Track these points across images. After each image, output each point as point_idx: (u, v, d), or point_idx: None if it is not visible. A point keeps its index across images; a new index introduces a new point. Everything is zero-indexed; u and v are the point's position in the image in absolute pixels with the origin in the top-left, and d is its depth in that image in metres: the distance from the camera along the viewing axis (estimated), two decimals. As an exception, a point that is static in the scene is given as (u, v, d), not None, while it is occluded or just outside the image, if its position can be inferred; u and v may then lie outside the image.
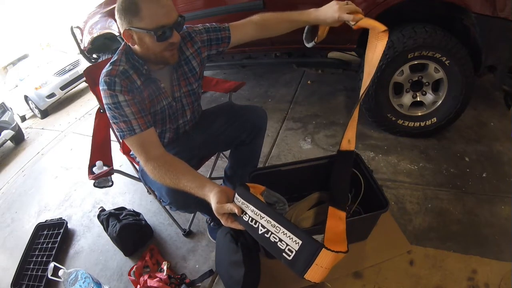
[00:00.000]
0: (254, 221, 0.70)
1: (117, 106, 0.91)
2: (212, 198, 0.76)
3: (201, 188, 0.80)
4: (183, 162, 0.90)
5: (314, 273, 0.64)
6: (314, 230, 1.09)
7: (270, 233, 0.68)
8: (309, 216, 1.20)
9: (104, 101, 0.93)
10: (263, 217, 0.69)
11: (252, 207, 0.71)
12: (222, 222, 0.75)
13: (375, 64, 0.93)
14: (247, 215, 0.71)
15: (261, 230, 0.69)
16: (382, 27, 0.90)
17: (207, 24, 1.11)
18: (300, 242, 0.65)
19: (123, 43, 0.98)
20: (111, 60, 0.96)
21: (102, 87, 0.92)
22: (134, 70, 0.96)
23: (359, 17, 0.92)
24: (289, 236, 0.66)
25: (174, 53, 0.96)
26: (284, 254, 0.66)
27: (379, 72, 1.56)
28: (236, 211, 0.72)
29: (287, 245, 0.66)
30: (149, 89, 1.00)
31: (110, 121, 0.95)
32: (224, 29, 1.10)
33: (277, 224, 0.67)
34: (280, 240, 0.66)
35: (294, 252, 0.65)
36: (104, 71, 0.94)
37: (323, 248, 0.64)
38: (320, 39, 1.12)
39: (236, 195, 0.74)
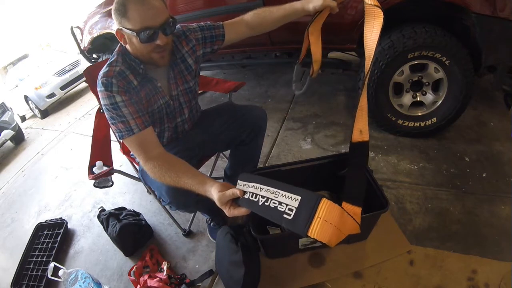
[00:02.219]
0: (254, 195, 0.70)
1: (115, 106, 0.91)
2: (214, 191, 0.77)
3: (201, 184, 0.81)
4: (183, 161, 0.90)
5: (318, 229, 0.59)
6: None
7: (270, 200, 0.67)
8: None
9: (102, 102, 0.94)
10: (262, 189, 0.70)
11: (253, 183, 0.72)
12: (226, 212, 0.77)
13: (373, 46, 0.88)
14: (248, 193, 0.72)
15: (261, 201, 0.69)
16: (374, 1, 0.86)
17: (202, 23, 1.12)
18: (299, 198, 0.63)
19: (119, 44, 0.99)
20: (108, 62, 0.97)
21: (99, 88, 0.93)
22: (131, 70, 0.97)
23: None
24: (288, 196, 0.65)
25: (164, 56, 0.96)
26: (284, 215, 0.63)
27: (379, 72, 1.56)
28: (238, 193, 0.73)
29: (287, 205, 0.64)
30: (146, 89, 1.01)
31: (109, 122, 0.96)
32: (218, 27, 1.11)
33: (276, 190, 0.67)
34: (280, 203, 0.65)
35: (294, 210, 0.63)
36: (101, 72, 0.94)
37: (323, 198, 0.61)
38: (317, 59, 1.10)
39: (238, 181, 0.76)
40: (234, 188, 0.76)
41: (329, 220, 0.60)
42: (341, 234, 0.64)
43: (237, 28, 1.13)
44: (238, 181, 0.77)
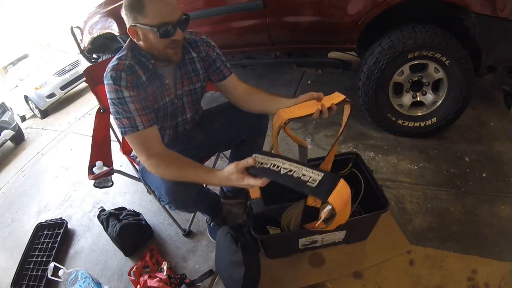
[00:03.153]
0: (275, 166, 0.79)
1: (122, 101, 0.91)
2: (227, 167, 0.82)
3: (208, 172, 0.86)
4: (184, 157, 0.92)
5: (336, 199, 0.71)
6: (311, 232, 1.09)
7: (292, 171, 0.77)
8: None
9: (108, 96, 0.93)
10: (285, 163, 0.79)
11: (275, 158, 0.80)
12: (242, 183, 0.80)
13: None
14: (267, 164, 0.80)
15: (283, 170, 0.77)
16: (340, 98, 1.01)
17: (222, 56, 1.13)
18: (322, 174, 0.74)
19: (128, 39, 0.98)
20: (117, 55, 0.96)
21: (107, 81, 0.92)
22: (140, 65, 0.96)
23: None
24: (311, 171, 0.75)
25: (178, 51, 0.97)
26: (308, 183, 0.74)
27: (379, 72, 1.56)
28: (251, 161, 0.79)
29: (310, 177, 0.75)
30: (153, 85, 1.00)
31: (113, 116, 0.95)
32: (228, 69, 1.13)
33: (299, 165, 0.77)
34: (303, 175, 0.75)
35: (317, 181, 0.73)
36: (110, 65, 0.93)
37: (341, 179, 0.73)
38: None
39: (257, 154, 0.82)
40: (247, 158, 0.80)
41: (343, 195, 0.73)
42: (344, 211, 0.76)
43: (237, 86, 1.14)
44: (255, 154, 0.82)
